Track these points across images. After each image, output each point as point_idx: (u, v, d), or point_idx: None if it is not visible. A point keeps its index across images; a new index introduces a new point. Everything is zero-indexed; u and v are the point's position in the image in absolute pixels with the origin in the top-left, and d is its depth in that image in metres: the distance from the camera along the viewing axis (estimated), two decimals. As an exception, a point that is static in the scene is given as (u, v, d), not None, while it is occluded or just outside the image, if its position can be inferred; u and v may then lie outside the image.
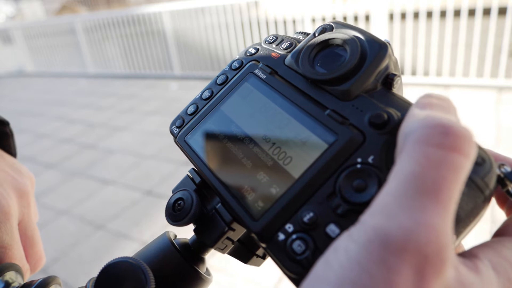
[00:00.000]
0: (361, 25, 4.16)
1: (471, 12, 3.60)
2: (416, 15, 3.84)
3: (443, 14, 3.70)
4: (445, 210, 0.16)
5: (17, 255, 0.36)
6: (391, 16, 3.96)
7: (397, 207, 0.16)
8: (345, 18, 4.33)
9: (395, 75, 0.26)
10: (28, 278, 0.37)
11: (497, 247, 0.20)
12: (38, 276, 0.33)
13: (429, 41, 3.81)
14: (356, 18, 4.28)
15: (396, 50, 4.01)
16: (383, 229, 0.16)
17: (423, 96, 0.22)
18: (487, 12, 3.54)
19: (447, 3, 3.60)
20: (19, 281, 0.33)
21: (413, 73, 4.02)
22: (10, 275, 0.32)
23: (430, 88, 3.79)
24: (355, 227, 0.18)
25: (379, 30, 3.94)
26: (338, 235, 0.21)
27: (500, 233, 0.22)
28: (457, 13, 3.64)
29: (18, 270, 0.33)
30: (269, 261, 0.34)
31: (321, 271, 0.17)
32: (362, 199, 0.21)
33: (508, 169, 0.22)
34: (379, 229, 0.16)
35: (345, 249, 0.17)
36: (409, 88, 3.82)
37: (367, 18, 4.14)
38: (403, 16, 3.92)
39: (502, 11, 3.47)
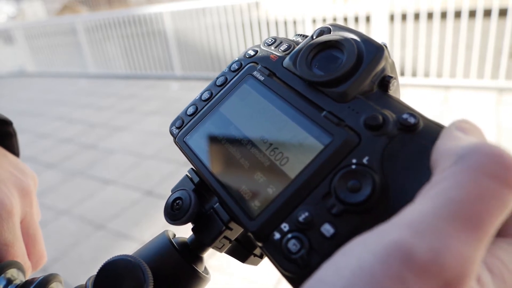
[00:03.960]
0: (362, 26, 4.16)
1: (472, 14, 3.61)
2: (416, 16, 3.84)
3: (443, 15, 3.70)
4: (480, 243, 0.16)
5: (19, 253, 0.37)
6: (392, 17, 3.97)
7: (429, 227, 0.15)
8: (345, 19, 4.34)
9: (391, 77, 0.26)
10: (29, 276, 0.37)
11: (491, 248, 0.19)
12: (38, 275, 0.34)
13: (429, 42, 3.80)
14: (356, 19, 4.28)
15: (396, 51, 4.01)
16: (408, 244, 0.15)
17: (462, 121, 0.21)
18: (487, 13, 3.54)
19: (448, 4, 3.61)
20: (20, 278, 0.33)
21: (414, 74, 4.02)
22: (12, 273, 0.33)
23: (431, 90, 3.79)
24: (371, 235, 0.17)
25: (380, 31, 3.95)
26: (333, 234, 0.22)
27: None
28: (457, 14, 3.65)
29: (20, 267, 0.34)
30: (268, 261, 0.34)
31: (327, 275, 0.16)
32: (357, 199, 0.22)
33: None
34: (403, 243, 0.15)
35: (358, 257, 0.16)
36: (409, 89, 3.82)
37: (367, 19, 4.14)
38: (404, 17, 3.92)
39: (503, 13, 3.47)
